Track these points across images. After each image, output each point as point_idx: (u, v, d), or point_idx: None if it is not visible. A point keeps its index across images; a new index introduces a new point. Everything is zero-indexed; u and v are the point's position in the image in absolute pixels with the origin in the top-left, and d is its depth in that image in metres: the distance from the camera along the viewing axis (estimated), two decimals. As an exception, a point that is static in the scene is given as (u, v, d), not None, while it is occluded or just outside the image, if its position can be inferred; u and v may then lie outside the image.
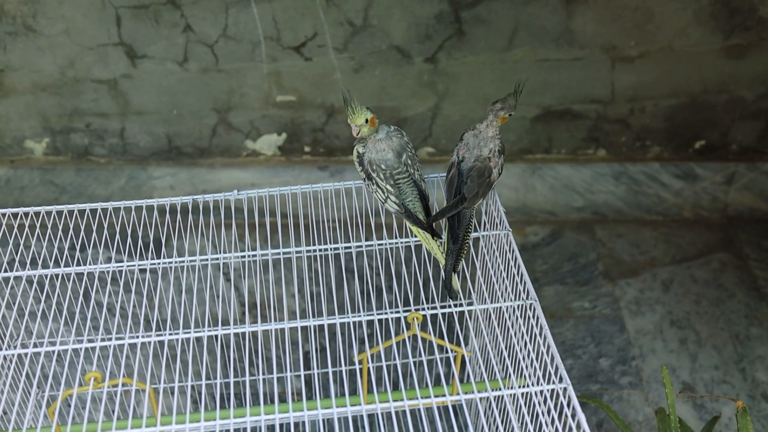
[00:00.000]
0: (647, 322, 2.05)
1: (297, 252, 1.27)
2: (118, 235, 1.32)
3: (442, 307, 1.15)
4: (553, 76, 2.13)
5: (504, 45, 2.07)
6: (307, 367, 1.84)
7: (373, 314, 1.13)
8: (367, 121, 1.21)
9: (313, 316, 1.14)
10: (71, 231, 1.30)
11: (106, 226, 1.31)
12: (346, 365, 1.60)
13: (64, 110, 2.20)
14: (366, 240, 1.30)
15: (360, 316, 1.12)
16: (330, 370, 1.11)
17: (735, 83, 2.15)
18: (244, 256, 1.31)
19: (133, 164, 2.30)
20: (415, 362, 1.75)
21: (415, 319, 1.10)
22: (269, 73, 2.12)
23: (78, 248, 1.30)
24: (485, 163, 1.24)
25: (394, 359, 1.73)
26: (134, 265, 1.25)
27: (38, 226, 1.28)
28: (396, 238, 1.28)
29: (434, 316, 1.70)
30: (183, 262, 1.25)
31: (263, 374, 1.69)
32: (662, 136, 2.25)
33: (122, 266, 1.23)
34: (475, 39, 2.06)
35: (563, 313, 2.07)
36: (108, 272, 1.24)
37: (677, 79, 2.14)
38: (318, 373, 1.39)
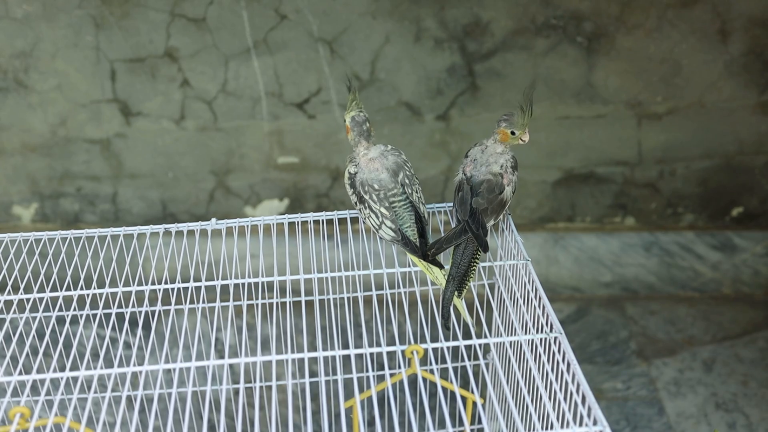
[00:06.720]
0: (689, 404, 1.81)
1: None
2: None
3: (447, 340, 0.95)
4: (574, 135, 1.98)
5: (521, 100, 1.92)
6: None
7: (363, 349, 0.93)
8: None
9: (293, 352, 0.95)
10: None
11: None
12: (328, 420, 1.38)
13: (54, 173, 2.07)
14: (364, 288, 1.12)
15: (348, 350, 0.93)
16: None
17: (773, 143, 1.99)
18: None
19: (125, 232, 2.14)
20: (416, 412, 1.52)
21: (414, 353, 0.90)
22: (270, 132, 1.99)
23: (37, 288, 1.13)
24: (497, 179, 1.09)
25: (390, 409, 1.50)
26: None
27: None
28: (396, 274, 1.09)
29: (440, 357, 1.48)
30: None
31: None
32: (696, 202, 2.07)
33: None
34: (490, 94, 1.93)
35: (594, 395, 1.83)
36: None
37: (710, 139, 1.98)
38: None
